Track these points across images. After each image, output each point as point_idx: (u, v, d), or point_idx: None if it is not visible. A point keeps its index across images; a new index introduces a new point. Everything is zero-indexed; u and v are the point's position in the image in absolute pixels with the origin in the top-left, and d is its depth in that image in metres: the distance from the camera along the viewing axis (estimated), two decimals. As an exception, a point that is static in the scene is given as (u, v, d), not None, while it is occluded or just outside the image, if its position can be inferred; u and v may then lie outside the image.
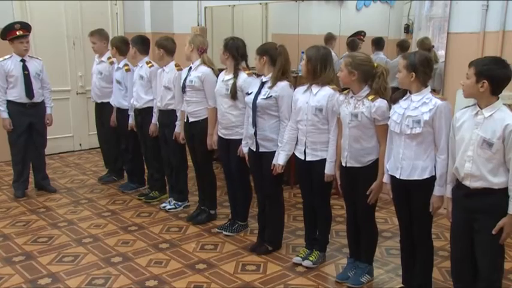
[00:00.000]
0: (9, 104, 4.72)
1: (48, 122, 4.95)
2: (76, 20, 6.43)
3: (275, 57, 3.43)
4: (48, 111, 4.95)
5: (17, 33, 4.62)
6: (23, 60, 4.74)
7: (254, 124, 3.48)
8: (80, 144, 6.71)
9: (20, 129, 4.76)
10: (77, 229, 4.11)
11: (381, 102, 2.91)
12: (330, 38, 5.59)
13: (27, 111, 4.77)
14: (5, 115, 4.72)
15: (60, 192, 5.04)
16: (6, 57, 4.72)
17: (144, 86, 4.56)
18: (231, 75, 3.72)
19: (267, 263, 3.52)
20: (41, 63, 4.90)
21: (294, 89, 3.41)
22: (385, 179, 2.93)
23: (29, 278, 3.28)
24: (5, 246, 3.77)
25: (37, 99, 4.82)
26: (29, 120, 4.79)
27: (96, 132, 5.56)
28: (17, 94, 4.71)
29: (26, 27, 4.72)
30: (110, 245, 3.79)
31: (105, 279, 3.28)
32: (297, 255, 3.53)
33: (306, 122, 3.23)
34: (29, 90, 4.73)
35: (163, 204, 4.61)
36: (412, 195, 2.82)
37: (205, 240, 3.91)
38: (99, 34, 5.10)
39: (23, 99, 4.73)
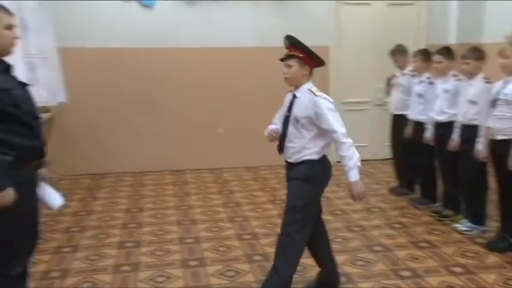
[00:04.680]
0: None
1: (355, 195, 2.94)
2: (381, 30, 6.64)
3: None
4: (352, 177, 2.91)
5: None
6: (293, 95, 3.00)
7: None
8: (374, 154, 6.81)
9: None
10: (368, 235, 4.25)
11: None
12: None
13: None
14: None
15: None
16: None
17: (448, 100, 4.41)
18: None
19: None
20: (316, 100, 2.86)
21: None
22: None
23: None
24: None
25: (291, 157, 2.97)
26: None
27: (390, 144, 5.61)
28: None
29: (292, 44, 2.91)
30: (399, 257, 3.78)
31: (394, 290, 3.29)
32: None
33: None
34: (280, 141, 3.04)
35: (457, 225, 4.33)
36: None
37: (509, 274, 3.49)
38: (400, 52, 5.20)
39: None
